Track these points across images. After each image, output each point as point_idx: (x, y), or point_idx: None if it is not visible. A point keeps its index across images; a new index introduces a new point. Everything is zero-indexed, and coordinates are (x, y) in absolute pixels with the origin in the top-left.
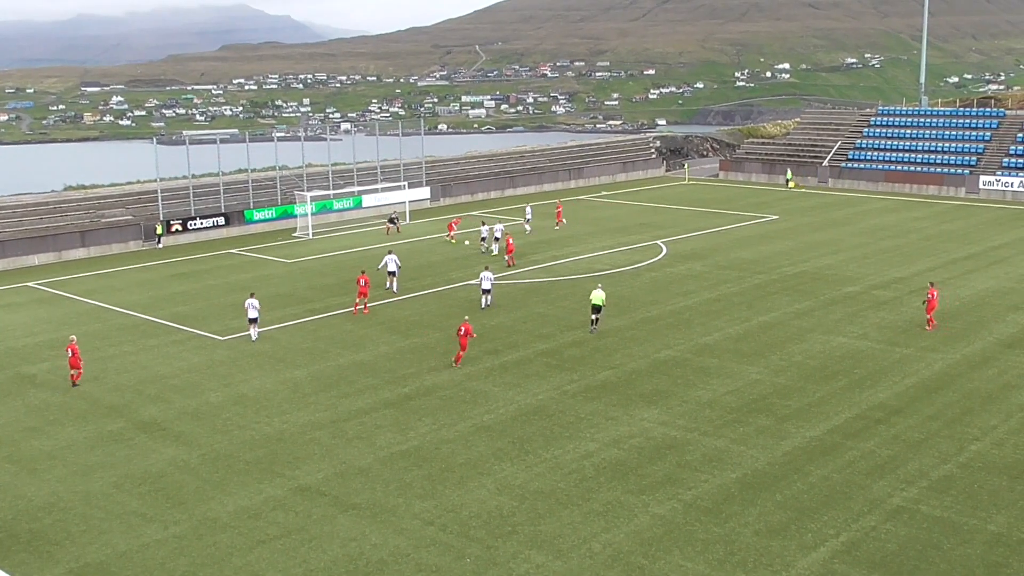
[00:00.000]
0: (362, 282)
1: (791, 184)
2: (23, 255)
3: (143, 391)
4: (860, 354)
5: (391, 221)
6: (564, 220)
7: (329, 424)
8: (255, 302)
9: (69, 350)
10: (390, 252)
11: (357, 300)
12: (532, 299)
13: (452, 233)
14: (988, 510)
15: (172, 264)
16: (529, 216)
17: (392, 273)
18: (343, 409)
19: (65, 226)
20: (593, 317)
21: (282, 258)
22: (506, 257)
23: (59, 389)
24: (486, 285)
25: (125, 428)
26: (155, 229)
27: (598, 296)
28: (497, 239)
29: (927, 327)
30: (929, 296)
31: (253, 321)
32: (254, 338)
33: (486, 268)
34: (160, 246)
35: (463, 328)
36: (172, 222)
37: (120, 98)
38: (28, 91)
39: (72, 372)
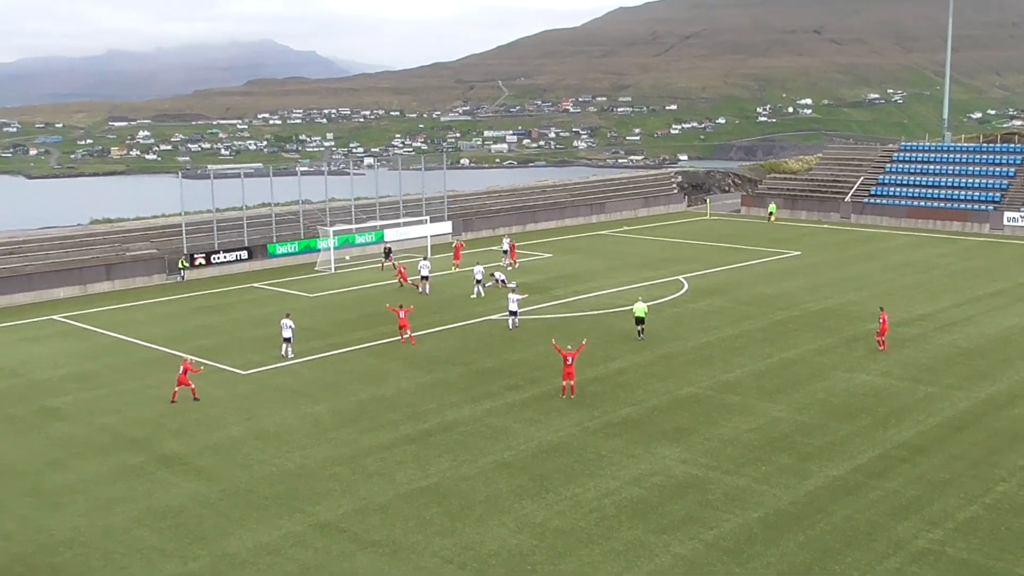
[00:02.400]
0: (403, 314)
1: (772, 218)
2: (49, 288)
3: (165, 425)
4: (884, 392)
5: (386, 255)
6: (459, 260)
7: (349, 459)
8: (289, 321)
9: (182, 367)
10: (425, 258)
11: (400, 331)
12: (553, 334)
13: (457, 261)
14: (1016, 552)
15: (195, 298)
16: (507, 248)
17: (425, 278)
18: (363, 444)
19: (90, 259)
20: (638, 328)
21: (304, 292)
22: (399, 280)
23: (82, 422)
24: (512, 307)
25: (146, 462)
26: (178, 263)
27: (640, 308)
28: (426, 277)
29: (880, 348)
30: (880, 320)
31: (287, 340)
32: (288, 356)
33: (512, 290)
34: (181, 279)
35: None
36: (196, 256)
37: (147, 132)
38: (57, 126)
39: (184, 388)
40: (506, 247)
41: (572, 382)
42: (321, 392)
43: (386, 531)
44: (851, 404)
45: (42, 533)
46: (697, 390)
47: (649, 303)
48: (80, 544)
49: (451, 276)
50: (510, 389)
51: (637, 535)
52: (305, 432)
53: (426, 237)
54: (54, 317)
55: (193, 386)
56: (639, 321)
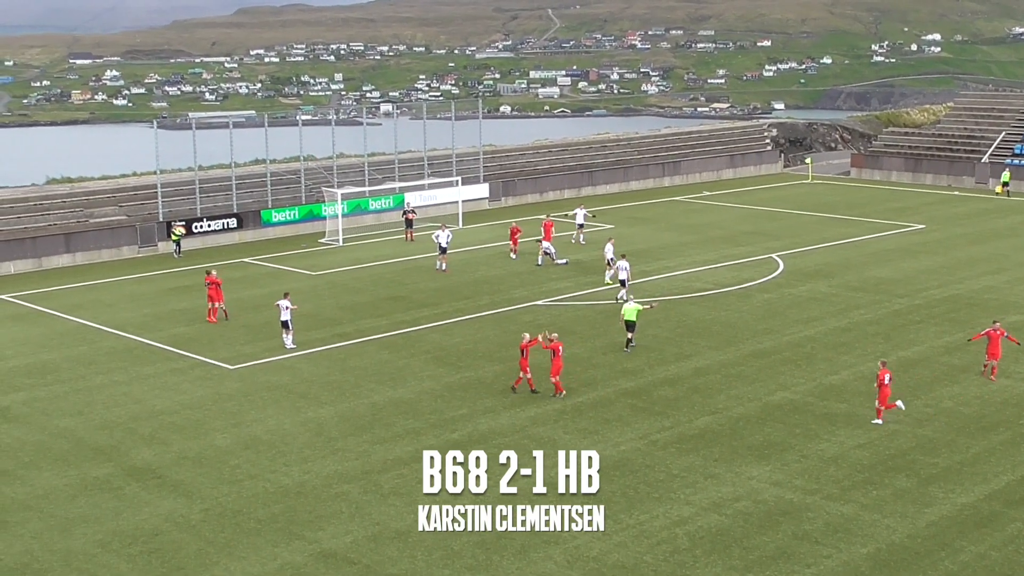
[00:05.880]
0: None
1: (1001, 189)
2: None
3: (136, 430)
4: None
5: (407, 220)
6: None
7: (360, 476)
8: (287, 303)
9: (523, 348)
10: (444, 226)
11: (211, 305)
12: (614, 325)
13: (516, 247)
14: None
15: (173, 275)
16: (580, 220)
17: (443, 250)
18: (377, 458)
19: (47, 227)
20: (628, 336)
21: (306, 269)
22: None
23: (37, 425)
24: (622, 276)
25: (114, 474)
26: (170, 233)
27: (631, 309)
28: (444, 249)
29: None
30: (878, 379)
31: (285, 325)
32: (289, 346)
33: (623, 256)
34: (177, 254)
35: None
36: (174, 223)
37: (115, 72)
38: (7, 63)
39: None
40: (581, 220)
41: (557, 379)
42: (325, 393)
43: (405, 564)
44: (986, 415)
45: None
46: (793, 396)
47: (735, 287)
48: (34, 572)
49: (485, 252)
50: None
51: (717, 573)
52: (306, 441)
53: (457, 203)
54: (3, 296)
55: (529, 375)
56: (629, 327)
